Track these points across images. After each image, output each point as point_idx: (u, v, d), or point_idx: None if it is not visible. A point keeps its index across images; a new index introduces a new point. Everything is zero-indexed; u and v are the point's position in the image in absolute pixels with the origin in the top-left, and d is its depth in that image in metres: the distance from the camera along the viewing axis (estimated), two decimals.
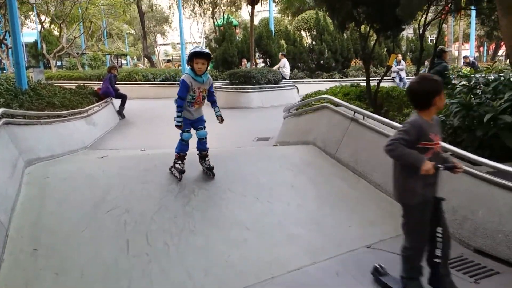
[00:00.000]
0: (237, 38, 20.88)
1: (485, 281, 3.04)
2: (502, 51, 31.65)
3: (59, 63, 27.94)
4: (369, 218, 4.25)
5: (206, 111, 5.00)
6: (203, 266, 3.35)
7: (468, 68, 14.06)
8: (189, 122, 4.83)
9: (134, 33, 46.59)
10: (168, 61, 29.27)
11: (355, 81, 10.70)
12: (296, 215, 4.30)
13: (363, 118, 5.52)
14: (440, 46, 8.51)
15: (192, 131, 4.93)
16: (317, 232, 3.97)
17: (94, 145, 8.24)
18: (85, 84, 11.78)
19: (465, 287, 2.97)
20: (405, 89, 9.28)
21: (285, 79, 16.29)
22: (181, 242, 3.66)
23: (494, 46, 34.28)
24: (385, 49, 19.63)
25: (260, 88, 14.25)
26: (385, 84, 9.81)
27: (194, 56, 4.59)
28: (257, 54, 17.57)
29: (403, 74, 16.96)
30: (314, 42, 19.73)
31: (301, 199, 4.65)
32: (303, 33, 24.01)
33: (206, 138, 4.93)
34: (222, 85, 15.01)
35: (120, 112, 11.76)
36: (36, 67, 21.96)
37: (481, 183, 3.64)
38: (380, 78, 7.31)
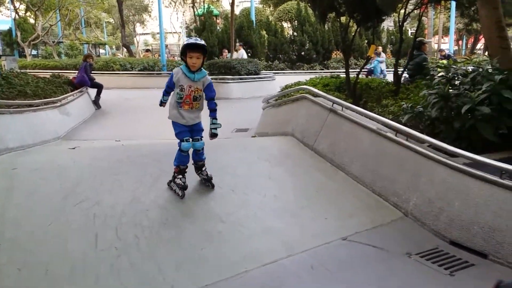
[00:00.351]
0: (218, 28, 20.66)
1: (460, 273, 3.00)
2: (480, 45, 32.14)
3: (34, 52, 27.21)
4: (346, 210, 4.20)
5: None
6: (174, 260, 3.24)
7: (445, 61, 14.16)
8: (187, 130, 4.19)
9: (113, 21, 45.72)
10: (147, 50, 28.66)
11: (336, 73, 10.63)
12: (272, 206, 4.22)
13: (342, 109, 5.44)
14: (419, 38, 8.50)
15: None
16: (293, 224, 3.89)
17: (67, 135, 8.04)
18: (60, 73, 11.44)
19: (440, 279, 2.94)
20: (384, 80, 9.31)
21: None
22: (153, 236, 3.53)
23: (472, 40, 34.77)
24: (366, 41, 19.70)
25: (240, 79, 14.08)
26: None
27: (187, 48, 3.94)
28: (237, 44, 17.36)
29: (383, 66, 17.00)
30: (295, 33, 19.70)
31: (278, 191, 4.57)
32: (285, 24, 23.96)
33: (203, 149, 4.39)
34: None
35: (95, 102, 11.48)
36: (9, 55, 21.31)
37: (458, 175, 3.61)
38: (359, 69, 7.26)
